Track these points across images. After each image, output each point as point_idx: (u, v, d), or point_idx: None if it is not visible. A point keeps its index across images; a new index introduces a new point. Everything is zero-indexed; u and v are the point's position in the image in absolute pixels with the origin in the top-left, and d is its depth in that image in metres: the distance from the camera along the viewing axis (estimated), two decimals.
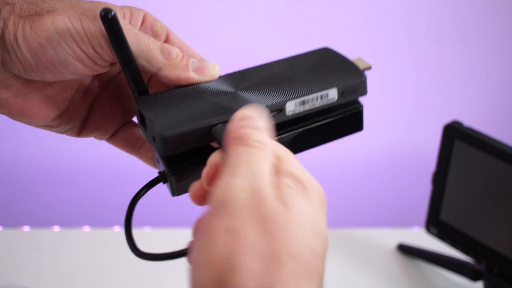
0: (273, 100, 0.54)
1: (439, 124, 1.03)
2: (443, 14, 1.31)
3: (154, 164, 0.62)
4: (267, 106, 0.54)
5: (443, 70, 1.35)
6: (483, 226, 0.97)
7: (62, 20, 0.53)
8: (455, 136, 0.95)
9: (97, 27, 0.53)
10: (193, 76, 0.56)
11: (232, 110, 0.52)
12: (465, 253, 0.99)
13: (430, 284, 1.05)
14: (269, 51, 1.29)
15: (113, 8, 0.54)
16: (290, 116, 0.55)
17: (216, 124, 0.52)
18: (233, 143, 0.46)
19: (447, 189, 0.99)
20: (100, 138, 0.62)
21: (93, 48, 0.54)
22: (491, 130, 1.11)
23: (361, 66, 0.58)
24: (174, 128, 0.51)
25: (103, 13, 0.51)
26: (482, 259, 0.96)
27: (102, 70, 0.56)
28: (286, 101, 0.54)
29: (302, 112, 0.55)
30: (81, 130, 0.61)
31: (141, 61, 0.54)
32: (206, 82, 0.56)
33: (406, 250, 1.09)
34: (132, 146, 0.62)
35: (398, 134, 1.38)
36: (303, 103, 0.55)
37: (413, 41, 1.32)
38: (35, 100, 0.57)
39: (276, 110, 0.54)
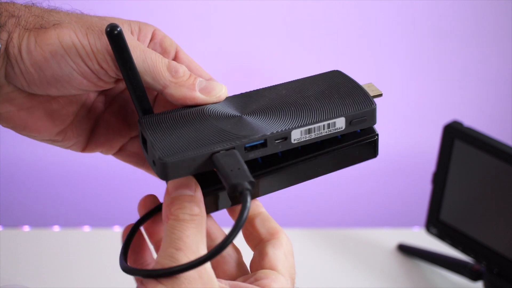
0: (278, 127, 0.52)
1: (439, 124, 1.03)
2: (443, 14, 1.31)
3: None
4: (271, 133, 0.52)
5: (443, 70, 1.35)
6: (483, 226, 0.97)
7: (68, 34, 0.52)
8: (455, 136, 0.95)
9: (104, 42, 0.52)
10: (199, 96, 0.54)
11: (235, 137, 0.51)
12: (465, 253, 0.99)
13: (430, 284, 1.05)
14: (273, 57, 1.29)
15: (121, 22, 0.53)
16: (295, 144, 0.53)
17: (218, 151, 0.50)
18: (167, 220, 0.49)
19: (447, 189, 0.99)
20: (105, 153, 0.60)
21: (99, 64, 0.52)
22: (491, 130, 1.10)
23: (372, 92, 0.56)
24: (175, 154, 0.50)
25: (108, 29, 0.50)
26: (482, 259, 0.96)
27: (107, 86, 0.55)
28: (291, 130, 0.52)
29: (308, 141, 0.53)
30: (86, 145, 0.59)
31: (147, 78, 0.53)
32: (212, 103, 0.55)
33: (406, 250, 1.09)
34: (140, 161, 0.61)
35: (398, 134, 1.38)
36: (309, 131, 0.53)
37: (413, 41, 1.32)
38: (38, 114, 0.56)
39: (281, 138, 0.52)
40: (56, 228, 1.11)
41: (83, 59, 0.52)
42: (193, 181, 0.50)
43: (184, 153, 0.50)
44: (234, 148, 0.51)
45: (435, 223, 1.01)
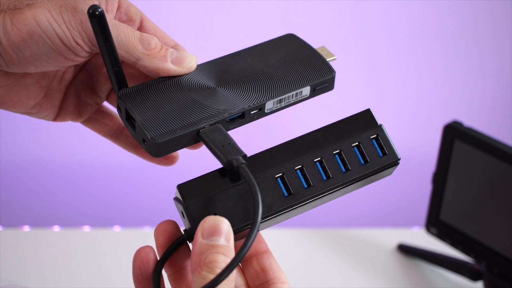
0: (254, 99, 0.56)
1: (439, 124, 1.03)
2: (443, 14, 1.31)
3: (132, 149, 0.64)
4: (249, 106, 0.56)
5: (443, 70, 1.35)
6: (483, 226, 0.97)
7: (43, 14, 0.53)
8: (455, 136, 0.95)
9: (78, 19, 0.53)
10: (171, 67, 0.56)
11: (217, 112, 0.55)
12: (465, 253, 0.99)
13: (430, 284, 1.05)
14: None
15: None
16: (268, 113, 0.57)
17: (203, 127, 0.54)
18: (200, 269, 0.48)
19: (447, 189, 0.99)
20: (75, 121, 0.63)
21: (75, 41, 0.54)
22: (491, 130, 1.11)
23: (327, 57, 0.60)
24: (166, 135, 0.53)
25: (91, 11, 0.52)
26: (482, 259, 0.96)
27: (82, 60, 0.56)
28: (266, 101, 0.56)
29: (278, 109, 0.58)
30: (57, 114, 0.62)
31: (121, 51, 0.55)
32: (184, 74, 0.57)
33: (406, 250, 1.09)
34: (110, 132, 0.64)
35: (398, 134, 1.38)
36: (280, 101, 0.57)
37: (412, 40, 1.32)
38: (15, 91, 0.58)
39: (257, 109, 0.56)
40: (56, 228, 1.11)
41: (59, 37, 0.53)
42: (226, 226, 0.50)
43: (173, 133, 0.53)
44: (217, 123, 0.54)
45: (435, 223, 1.01)
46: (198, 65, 0.58)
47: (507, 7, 1.30)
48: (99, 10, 0.51)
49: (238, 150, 0.53)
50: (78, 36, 0.54)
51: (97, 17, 0.52)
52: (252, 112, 0.56)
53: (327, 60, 0.59)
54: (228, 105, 0.56)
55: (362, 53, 1.32)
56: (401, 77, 1.35)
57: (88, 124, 0.65)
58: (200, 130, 0.54)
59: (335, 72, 0.59)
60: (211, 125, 0.54)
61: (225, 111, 0.55)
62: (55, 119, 0.62)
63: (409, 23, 1.31)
